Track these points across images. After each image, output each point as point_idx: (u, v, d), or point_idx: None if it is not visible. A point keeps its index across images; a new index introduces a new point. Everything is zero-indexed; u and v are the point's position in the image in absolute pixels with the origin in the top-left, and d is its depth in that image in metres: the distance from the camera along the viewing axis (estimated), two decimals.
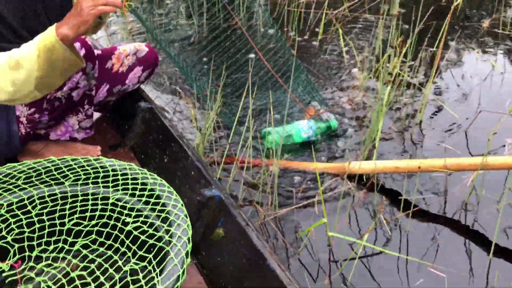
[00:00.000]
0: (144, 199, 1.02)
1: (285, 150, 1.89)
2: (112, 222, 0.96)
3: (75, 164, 1.13)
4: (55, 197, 1.05)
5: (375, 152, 1.61)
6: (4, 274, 0.86)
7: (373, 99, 2.15)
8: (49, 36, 1.16)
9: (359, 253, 1.44)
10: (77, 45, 1.38)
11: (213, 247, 1.23)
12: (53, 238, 0.94)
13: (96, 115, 1.92)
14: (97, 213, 0.99)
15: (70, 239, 0.94)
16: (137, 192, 1.04)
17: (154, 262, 0.86)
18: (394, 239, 1.49)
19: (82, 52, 1.39)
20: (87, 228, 0.95)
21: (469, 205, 1.60)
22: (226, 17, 2.93)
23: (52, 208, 1.02)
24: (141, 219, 0.96)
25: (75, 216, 0.99)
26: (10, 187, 1.07)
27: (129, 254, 0.94)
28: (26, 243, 0.93)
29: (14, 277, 0.86)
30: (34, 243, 0.93)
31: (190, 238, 0.91)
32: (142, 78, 1.80)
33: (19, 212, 1.00)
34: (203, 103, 2.16)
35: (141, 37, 2.99)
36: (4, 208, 1.01)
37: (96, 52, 1.73)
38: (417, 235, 1.50)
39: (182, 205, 0.99)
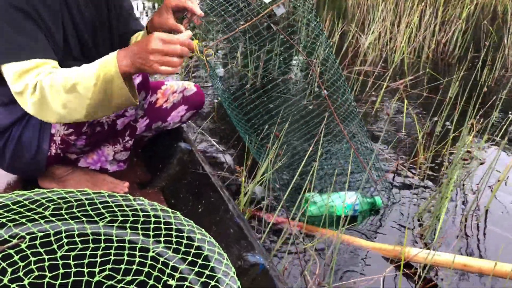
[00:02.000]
0: (189, 258, 0.86)
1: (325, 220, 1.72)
2: (151, 282, 0.80)
3: (112, 201, 0.99)
4: (86, 237, 0.89)
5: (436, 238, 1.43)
6: None
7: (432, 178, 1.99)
8: (110, 66, 1.06)
9: None
10: None
11: None
12: None
13: None
14: (134, 267, 0.83)
15: None
16: (182, 249, 0.88)
17: None
18: None
19: (139, 79, 1.29)
20: (121, 285, 0.79)
21: None
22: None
23: (81, 252, 0.86)
24: (186, 284, 0.79)
25: (107, 266, 0.83)
26: (36, 217, 0.92)
27: None
28: None
29: None
30: None
31: None
32: (185, 118, 1.69)
33: (41, 250, 0.84)
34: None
35: (194, 77, 2.95)
36: (26, 242, 0.85)
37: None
38: None
39: (234, 273, 0.83)
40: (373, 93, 2.96)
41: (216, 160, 2.11)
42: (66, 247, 0.86)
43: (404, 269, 1.46)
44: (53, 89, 1.06)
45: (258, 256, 1.11)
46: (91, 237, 0.89)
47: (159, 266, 0.83)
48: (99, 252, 0.86)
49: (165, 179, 1.61)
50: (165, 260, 0.85)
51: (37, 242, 0.86)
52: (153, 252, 0.87)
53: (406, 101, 2.17)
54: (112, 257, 0.85)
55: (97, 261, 0.84)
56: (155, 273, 0.81)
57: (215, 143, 2.20)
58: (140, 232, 0.92)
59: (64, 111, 1.08)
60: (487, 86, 3.15)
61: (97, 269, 0.82)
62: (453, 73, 3.33)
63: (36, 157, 1.35)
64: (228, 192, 1.37)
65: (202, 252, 0.87)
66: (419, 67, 3.52)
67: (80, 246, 0.87)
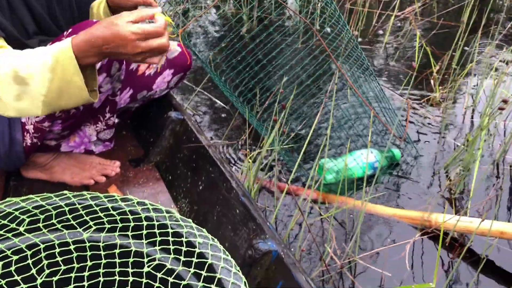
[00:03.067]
0: (192, 270, 0.73)
1: (344, 187, 1.57)
2: None
3: (96, 205, 0.85)
4: (69, 255, 0.77)
5: (470, 199, 1.28)
6: None
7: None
8: (66, 59, 0.87)
9: None
10: None
11: None
12: None
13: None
14: (130, 278, 0.71)
15: None
16: (182, 258, 0.76)
17: None
18: None
19: None
20: None
21: None
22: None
23: (63, 276, 0.74)
24: None
25: (100, 279, 0.71)
26: (9, 235, 0.79)
27: None
28: None
29: None
30: None
31: None
32: (172, 83, 1.52)
33: (18, 278, 0.72)
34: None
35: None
36: None
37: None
38: None
39: (245, 283, 0.71)
40: (382, 25, 2.72)
41: (213, 127, 1.95)
42: (47, 271, 0.73)
43: (434, 233, 1.34)
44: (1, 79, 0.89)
45: (270, 242, 0.99)
46: (75, 254, 0.76)
47: (157, 285, 0.71)
48: (86, 274, 0.73)
49: (159, 154, 1.47)
50: (162, 276, 0.73)
51: (13, 268, 0.73)
52: (148, 266, 0.75)
53: (418, 32, 1.96)
54: (101, 279, 0.73)
55: (84, 284, 0.72)
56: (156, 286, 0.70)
57: (216, 100, 2.01)
58: (131, 241, 0.79)
59: (20, 105, 0.92)
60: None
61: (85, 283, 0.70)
62: None
63: (12, 149, 1.20)
64: (228, 167, 1.23)
65: (206, 260, 0.75)
66: None
67: (63, 267, 0.74)
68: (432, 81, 2.05)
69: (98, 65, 1.11)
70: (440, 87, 2.01)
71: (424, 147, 1.76)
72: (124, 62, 1.24)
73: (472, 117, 1.91)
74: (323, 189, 1.53)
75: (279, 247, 0.98)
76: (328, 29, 1.98)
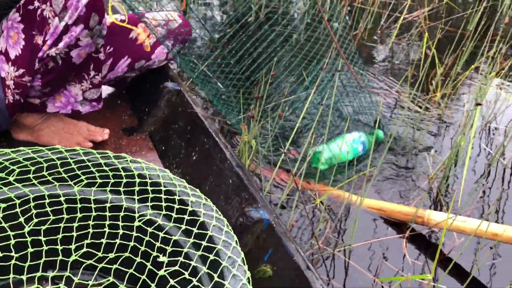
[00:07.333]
0: (183, 227, 0.72)
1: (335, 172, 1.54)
2: (138, 260, 0.67)
3: (89, 160, 0.84)
4: (59, 206, 0.75)
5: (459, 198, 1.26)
6: None
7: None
8: None
9: None
10: None
11: None
12: (51, 274, 0.65)
13: (110, 89, 1.62)
14: (117, 241, 0.70)
15: (76, 280, 0.65)
16: (174, 215, 0.75)
17: None
18: None
19: None
20: (102, 265, 0.66)
21: None
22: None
23: (53, 225, 0.72)
24: (180, 259, 0.66)
25: (85, 241, 0.69)
26: None
27: None
28: (11, 276, 0.64)
29: None
30: (24, 277, 0.64)
31: None
32: (171, 54, 1.50)
33: (6, 225, 0.71)
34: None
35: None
36: None
37: (119, 17, 1.42)
38: None
39: (237, 242, 0.70)
40: (391, 26, 2.72)
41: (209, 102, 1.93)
42: (35, 220, 0.72)
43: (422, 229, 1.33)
44: None
45: (262, 211, 0.99)
46: (65, 206, 0.75)
47: (147, 238, 0.70)
48: (75, 225, 0.72)
49: (153, 124, 1.45)
50: (154, 231, 0.72)
51: (0, 214, 0.72)
52: (139, 221, 0.74)
53: (426, 34, 1.95)
54: (90, 230, 0.72)
55: (73, 235, 0.71)
56: (143, 248, 0.68)
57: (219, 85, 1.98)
58: (123, 196, 0.78)
59: None
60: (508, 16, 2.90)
61: (73, 246, 0.69)
62: (472, 4, 3.07)
63: None
64: (223, 138, 1.22)
65: (198, 218, 0.74)
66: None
67: (52, 217, 0.73)
68: (434, 82, 2.06)
69: (75, 16, 1.08)
70: (441, 89, 2.01)
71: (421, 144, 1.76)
72: (105, 17, 1.19)
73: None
74: (314, 175, 1.51)
75: (270, 216, 0.98)
76: (336, 24, 1.95)
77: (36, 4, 1.10)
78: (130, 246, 0.69)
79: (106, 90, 1.61)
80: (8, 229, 0.69)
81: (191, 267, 0.67)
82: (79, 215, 0.73)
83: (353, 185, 1.48)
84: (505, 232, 1.18)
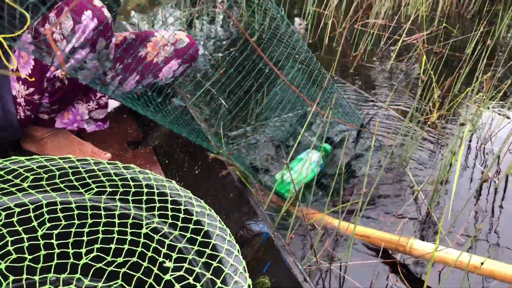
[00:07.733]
0: (188, 235, 0.76)
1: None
2: (145, 264, 0.71)
3: (99, 170, 0.88)
4: (70, 212, 0.79)
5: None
6: None
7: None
8: None
9: None
10: (88, 14, 1.12)
11: None
12: (62, 276, 0.68)
13: (116, 104, 1.67)
14: (126, 246, 0.74)
15: (86, 281, 0.68)
16: (179, 224, 0.79)
17: None
18: None
19: (94, 24, 1.12)
20: (111, 268, 0.70)
21: None
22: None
23: (65, 229, 0.76)
24: (185, 265, 0.70)
25: (95, 246, 0.73)
26: (13, 189, 0.81)
27: None
28: (24, 277, 0.67)
29: None
30: (36, 278, 0.67)
31: None
32: (178, 73, 1.55)
33: (20, 229, 0.74)
34: None
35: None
36: (1, 219, 0.75)
37: (128, 35, 1.48)
38: None
39: (239, 251, 0.74)
40: (390, 47, 2.81)
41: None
42: (48, 225, 0.76)
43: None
44: None
45: (262, 225, 1.03)
46: (76, 212, 0.79)
47: (153, 245, 0.74)
48: (86, 230, 0.76)
49: (158, 138, 1.50)
50: (160, 238, 0.76)
51: (15, 219, 0.76)
52: (147, 228, 0.78)
53: (424, 57, 2.02)
54: (100, 235, 0.75)
55: (83, 239, 0.75)
56: (150, 254, 0.72)
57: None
58: (131, 205, 0.82)
59: None
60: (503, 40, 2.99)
61: (83, 250, 0.73)
62: (469, 29, 3.16)
63: (7, 120, 1.24)
64: None
65: (202, 227, 0.78)
66: (433, 22, 3.33)
67: (64, 222, 0.77)
68: (431, 104, 2.12)
69: (82, 39, 1.12)
70: (438, 110, 2.07)
71: (414, 165, 1.80)
72: (113, 41, 1.24)
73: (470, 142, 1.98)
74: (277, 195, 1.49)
75: (270, 230, 1.02)
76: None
77: (47, 26, 1.16)
78: (137, 252, 0.72)
79: (113, 104, 1.66)
80: (22, 232, 0.73)
81: (195, 273, 0.70)
82: (89, 221, 0.77)
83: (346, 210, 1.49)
84: (484, 266, 1.16)
